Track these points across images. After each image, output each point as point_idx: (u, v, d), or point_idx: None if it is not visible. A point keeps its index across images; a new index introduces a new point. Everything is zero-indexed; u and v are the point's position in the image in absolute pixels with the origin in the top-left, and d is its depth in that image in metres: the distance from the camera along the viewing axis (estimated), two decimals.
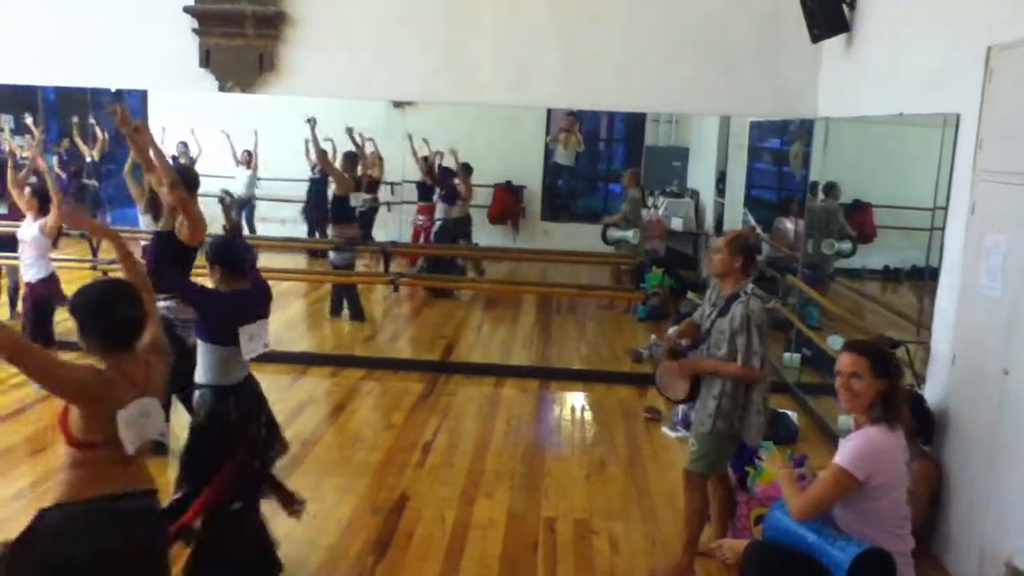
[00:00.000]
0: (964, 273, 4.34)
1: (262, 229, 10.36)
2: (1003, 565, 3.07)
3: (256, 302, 3.84)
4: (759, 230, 9.60)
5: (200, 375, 3.73)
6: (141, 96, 11.04)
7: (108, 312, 2.68)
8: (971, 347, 4.25)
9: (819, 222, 7.28)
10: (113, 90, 10.37)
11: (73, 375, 2.58)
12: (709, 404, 4.01)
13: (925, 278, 5.11)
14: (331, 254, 8.69)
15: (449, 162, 10.12)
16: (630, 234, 9.51)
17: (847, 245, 7.11)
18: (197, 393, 3.72)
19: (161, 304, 4.67)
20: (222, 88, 7.23)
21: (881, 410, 3.00)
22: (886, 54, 5.86)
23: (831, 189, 7.11)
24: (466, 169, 10.07)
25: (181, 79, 7.35)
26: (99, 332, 2.68)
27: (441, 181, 10.00)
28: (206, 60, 7.20)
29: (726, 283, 4.09)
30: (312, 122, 8.18)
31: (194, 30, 7.17)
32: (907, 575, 3.00)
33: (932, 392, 4.61)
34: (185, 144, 10.27)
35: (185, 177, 4.98)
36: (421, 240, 10.17)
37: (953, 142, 4.64)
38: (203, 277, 3.99)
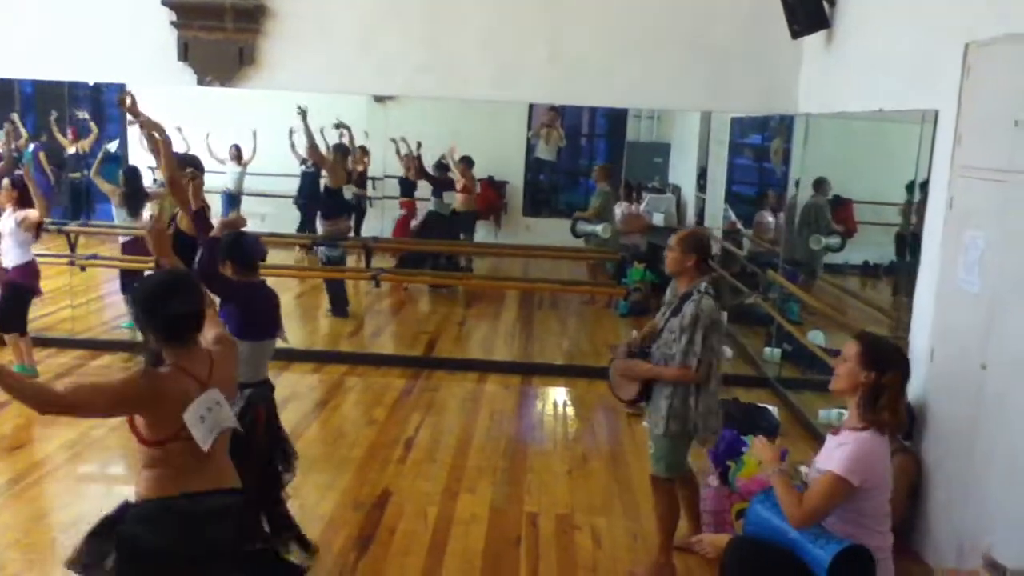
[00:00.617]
0: (942, 268, 4.37)
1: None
2: (981, 557, 3.08)
3: (268, 297, 3.88)
4: (740, 225, 9.65)
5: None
6: (119, 90, 10.94)
7: (164, 306, 2.64)
8: (949, 342, 4.28)
9: (808, 218, 7.31)
10: (91, 84, 10.27)
11: (117, 395, 2.57)
12: (661, 405, 3.97)
13: (904, 273, 5.15)
14: (320, 249, 8.65)
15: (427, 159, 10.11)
16: (599, 228, 9.54)
17: (835, 240, 7.14)
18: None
19: None
20: (201, 82, 7.18)
21: (863, 405, 3.00)
22: (866, 50, 5.90)
23: (820, 185, 7.14)
24: (467, 162, 10.06)
25: (160, 73, 7.28)
26: (156, 325, 2.65)
27: (430, 177, 9.98)
28: (185, 54, 7.13)
29: (680, 282, 4.03)
30: (303, 112, 8.12)
31: (172, 23, 7.11)
32: (887, 571, 3.01)
33: (911, 387, 4.60)
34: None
35: (194, 166, 4.97)
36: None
37: (932, 138, 4.67)
38: None
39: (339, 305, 8.69)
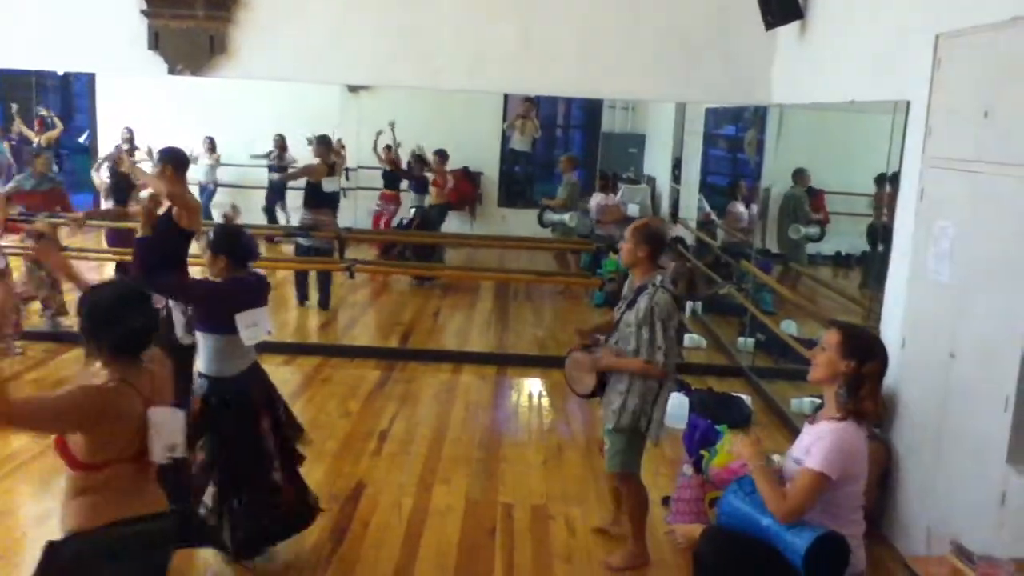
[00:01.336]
0: (913, 258, 4.41)
1: (217, 216, 10.20)
2: (949, 544, 3.12)
3: (257, 290, 3.84)
4: (714, 216, 9.70)
5: (201, 365, 3.73)
6: (89, 79, 10.81)
7: (118, 320, 2.56)
8: (920, 331, 4.33)
9: (787, 208, 7.35)
10: (60, 73, 10.12)
11: (71, 406, 2.45)
12: (614, 400, 3.94)
13: (875, 263, 5.19)
14: (299, 240, 8.61)
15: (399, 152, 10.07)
16: (566, 217, 9.57)
17: (814, 230, 7.18)
18: (197, 382, 3.73)
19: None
20: (172, 71, 7.08)
21: (843, 394, 3.02)
22: (838, 42, 5.93)
23: (799, 175, 7.18)
24: (441, 156, 10.02)
25: (129, 62, 7.17)
26: (108, 340, 2.55)
27: (409, 172, 9.94)
28: (155, 42, 7.02)
29: (635, 274, 3.98)
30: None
31: (142, 11, 6.99)
32: (859, 557, 3.04)
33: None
34: (130, 130, 10.08)
35: (177, 158, 4.93)
36: (382, 226, 10.12)
37: (903, 129, 4.71)
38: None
39: (324, 297, 8.65)
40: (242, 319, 3.66)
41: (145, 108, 9.94)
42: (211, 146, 10.23)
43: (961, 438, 3.86)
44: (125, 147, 9.70)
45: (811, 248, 7.49)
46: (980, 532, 3.54)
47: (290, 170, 9.17)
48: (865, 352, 3.02)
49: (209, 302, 3.76)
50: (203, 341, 3.75)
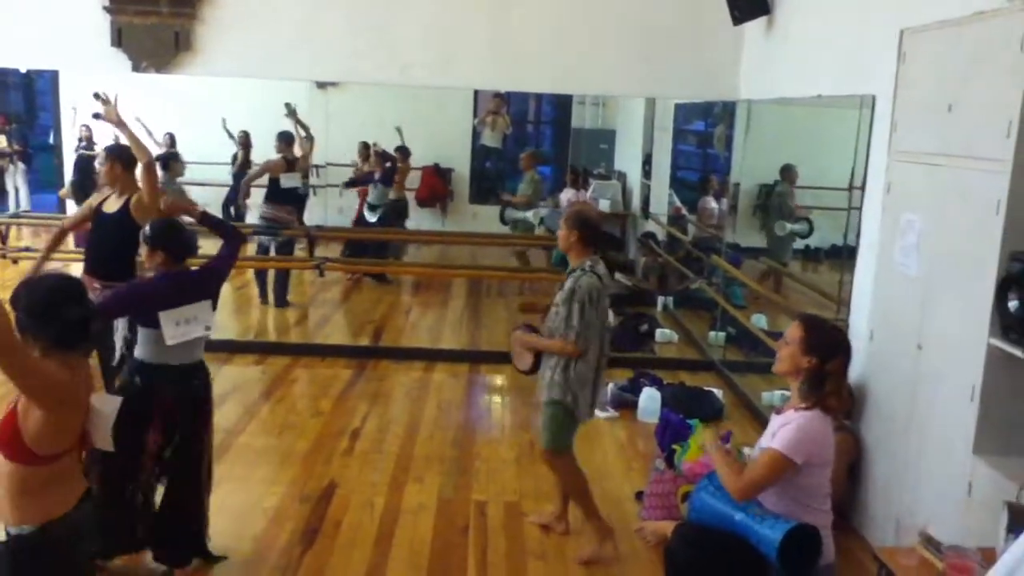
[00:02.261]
0: (881, 251, 4.45)
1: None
2: (918, 534, 3.15)
3: (193, 285, 3.73)
4: (685, 211, 9.74)
5: (136, 350, 3.69)
6: (52, 77, 10.64)
7: (60, 311, 2.52)
8: (887, 323, 4.37)
9: (773, 204, 7.37)
10: (23, 71, 9.94)
11: (54, 376, 2.42)
12: (545, 376, 4.10)
13: (844, 257, 5.23)
14: (261, 238, 8.53)
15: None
16: (530, 215, 9.59)
17: (800, 226, 7.20)
18: (128, 364, 3.70)
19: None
20: (136, 68, 6.97)
21: (805, 388, 3.04)
22: (805, 36, 5.97)
23: (786, 172, 7.21)
24: (403, 152, 9.97)
25: (93, 59, 7.05)
26: (49, 332, 2.51)
27: (381, 166, 9.88)
28: (118, 39, 6.92)
29: (570, 258, 4.13)
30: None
31: (105, 8, 6.88)
32: (828, 548, 3.06)
33: (851, 368, 4.71)
34: (88, 128, 9.94)
35: (123, 155, 4.86)
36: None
37: (869, 123, 4.75)
38: None
39: (280, 295, 8.58)
40: (168, 316, 3.55)
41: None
42: (170, 142, 10.11)
43: (929, 429, 3.90)
44: (83, 144, 9.59)
45: (782, 243, 7.52)
46: (948, 522, 3.57)
47: (249, 172, 9.08)
48: (827, 349, 3.03)
49: (134, 308, 3.68)
50: (139, 330, 3.67)
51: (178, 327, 3.59)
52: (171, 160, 8.54)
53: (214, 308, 3.80)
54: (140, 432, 3.55)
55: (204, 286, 3.77)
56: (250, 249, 9.12)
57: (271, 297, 8.57)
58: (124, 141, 4.91)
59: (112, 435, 2.62)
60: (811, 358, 3.02)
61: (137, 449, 3.57)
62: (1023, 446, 3.36)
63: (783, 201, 7.27)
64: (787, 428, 3.00)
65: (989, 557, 2.73)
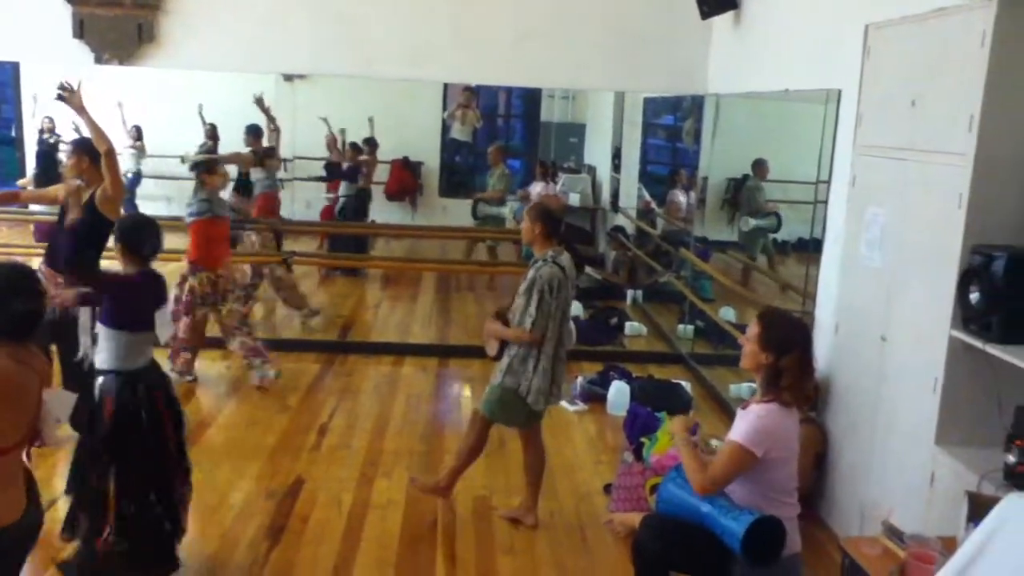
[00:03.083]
0: (846, 245, 4.49)
1: (146, 208, 9.94)
2: (880, 523, 3.19)
3: (161, 286, 3.73)
4: (654, 205, 9.77)
5: (104, 362, 3.54)
6: (13, 68, 10.44)
7: (9, 301, 2.48)
8: (852, 316, 4.41)
9: (742, 199, 7.41)
10: None
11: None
12: (504, 360, 4.23)
13: (810, 250, 5.28)
14: None
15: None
16: (504, 210, 9.58)
17: (768, 220, 7.23)
18: (101, 379, 3.52)
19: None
20: (99, 60, 6.85)
21: (764, 383, 3.05)
22: (772, 31, 6.00)
23: (758, 166, 7.24)
24: (371, 144, 9.91)
25: (55, 51, 6.91)
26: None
27: (352, 158, 9.81)
28: (80, 31, 6.79)
29: (534, 250, 4.25)
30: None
31: None
32: (795, 538, 3.08)
33: (816, 360, 4.75)
34: (51, 119, 9.77)
35: (93, 149, 4.76)
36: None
37: (835, 117, 4.79)
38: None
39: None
40: (159, 316, 3.61)
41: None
42: (137, 135, 9.97)
43: (893, 420, 3.94)
44: (47, 136, 9.42)
45: (751, 236, 7.56)
46: (911, 512, 3.61)
47: (220, 156, 8.92)
48: (782, 345, 3.02)
49: (117, 296, 3.60)
50: (107, 336, 3.54)
51: (163, 327, 3.65)
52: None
53: None
54: (160, 437, 3.56)
55: (163, 287, 3.76)
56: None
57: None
58: (85, 132, 4.83)
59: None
60: (768, 354, 3.02)
61: (161, 456, 3.57)
62: (984, 437, 3.40)
63: (752, 196, 7.32)
64: (745, 420, 3.03)
65: (950, 546, 2.77)
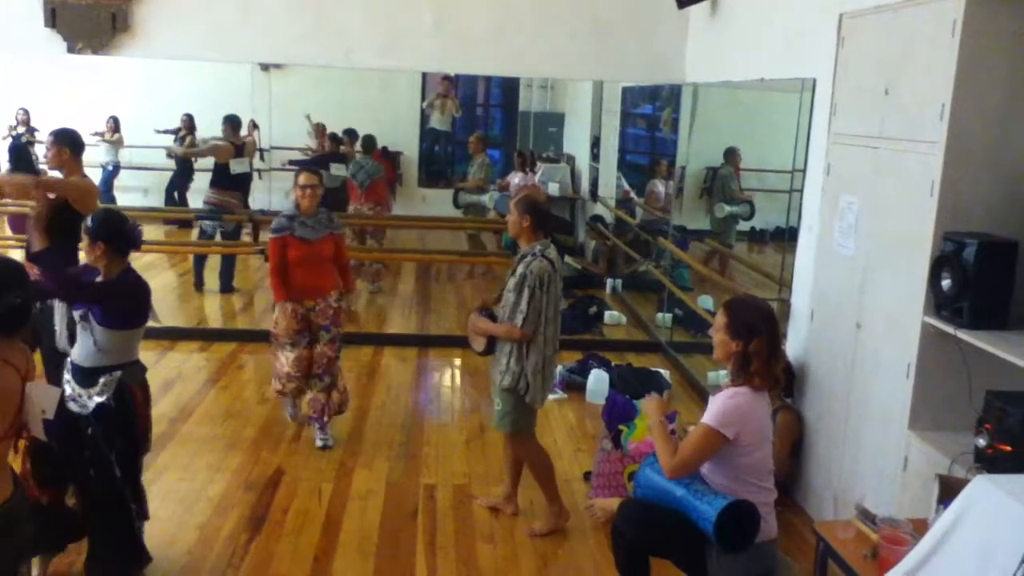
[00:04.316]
0: (821, 233, 4.53)
1: (123, 199, 9.86)
2: (854, 508, 3.24)
3: (145, 282, 3.68)
4: (633, 194, 9.80)
5: (104, 359, 3.46)
6: None
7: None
8: (827, 303, 4.45)
9: (714, 186, 7.44)
10: None
11: None
12: (501, 361, 4.11)
13: (787, 238, 5.32)
14: (205, 223, 8.39)
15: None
16: (486, 198, 9.59)
17: (741, 207, 7.27)
18: (104, 377, 3.45)
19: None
20: (71, 50, 6.76)
21: (735, 370, 3.08)
22: (748, 20, 6.02)
23: (729, 154, 7.26)
24: (350, 135, 9.87)
25: (26, 41, 6.81)
26: None
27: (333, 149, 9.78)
28: (52, 20, 6.70)
29: (520, 243, 4.15)
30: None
31: None
32: (771, 524, 3.11)
33: (792, 347, 4.82)
34: (26, 111, 9.66)
35: (73, 139, 4.73)
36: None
37: (810, 106, 4.82)
38: None
39: (226, 281, 8.48)
40: (153, 312, 3.64)
41: (47, 88, 9.52)
42: (114, 126, 9.88)
43: (867, 406, 3.99)
44: (22, 130, 9.31)
45: (725, 223, 7.62)
46: (885, 496, 3.67)
47: (197, 147, 8.88)
48: (749, 331, 3.04)
49: (117, 301, 3.52)
50: (105, 336, 3.46)
51: (152, 317, 3.63)
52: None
53: None
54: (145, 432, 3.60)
55: (145, 284, 3.70)
56: (193, 235, 9.01)
57: (216, 284, 8.45)
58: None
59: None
60: (737, 342, 3.05)
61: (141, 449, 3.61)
62: (956, 421, 3.46)
63: (725, 183, 7.36)
64: (715, 403, 3.06)
65: (921, 528, 2.81)
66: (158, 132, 9.85)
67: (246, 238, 8.57)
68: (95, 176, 8.56)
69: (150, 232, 9.25)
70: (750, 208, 7.14)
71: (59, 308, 4.18)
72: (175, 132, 9.95)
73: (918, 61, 3.64)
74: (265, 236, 8.51)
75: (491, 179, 10.00)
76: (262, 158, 9.59)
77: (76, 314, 3.48)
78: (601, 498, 4.22)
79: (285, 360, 5.10)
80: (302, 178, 5.05)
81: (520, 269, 4.02)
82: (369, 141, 9.22)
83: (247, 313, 8.22)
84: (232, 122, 8.40)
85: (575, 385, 6.23)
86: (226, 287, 8.45)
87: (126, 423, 3.49)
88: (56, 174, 4.86)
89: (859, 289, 4.07)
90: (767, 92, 5.96)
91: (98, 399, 3.42)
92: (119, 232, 3.54)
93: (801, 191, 4.95)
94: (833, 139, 4.43)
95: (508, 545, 4.17)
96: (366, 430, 5.44)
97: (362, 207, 8.95)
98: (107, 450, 3.43)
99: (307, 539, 4.09)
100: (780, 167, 6.09)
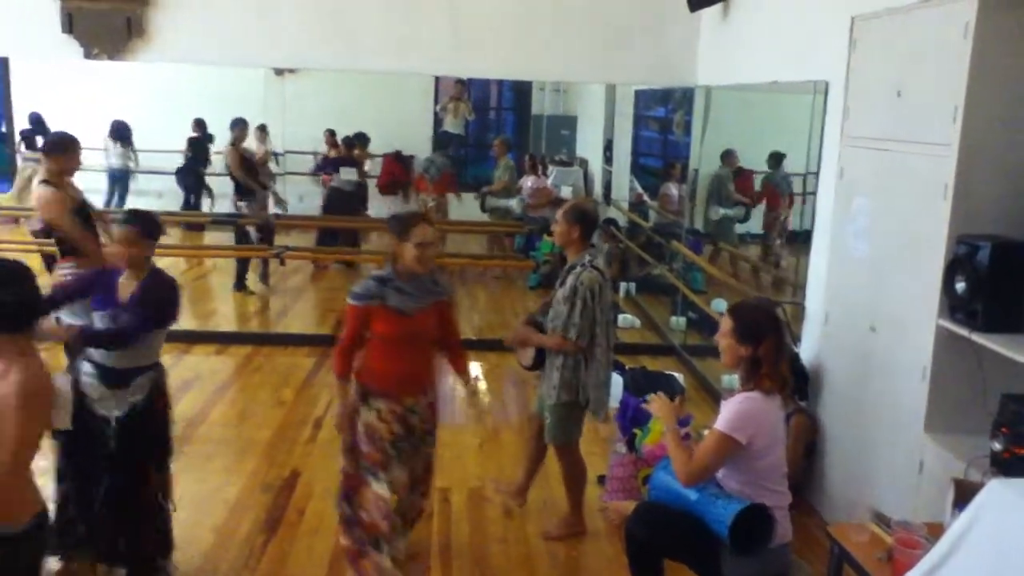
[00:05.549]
0: (834, 235, 4.53)
1: (137, 203, 9.91)
2: (868, 511, 3.23)
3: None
4: (646, 197, 9.80)
5: (145, 358, 3.51)
6: (2, 64, 10.40)
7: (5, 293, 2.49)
8: (841, 306, 4.45)
9: (711, 189, 7.43)
10: None
11: (37, 384, 2.41)
12: (553, 376, 4.06)
13: (800, 241, 5.31)
14: (251, 229, 8.52)
15: None
16: (513, 203, 9.58)
17: (736, 210, 7.26)
18: (139, 378, 3.49)
19: (65, 269, 4.50)
20: (88, 55, 6.85)
21: (745, 374, 3.08)
22: (760, 23, 6.02)
23: (726, 156, 7.26)
24: (361, 139, 9.92)
25: (44, 46, 6.92)
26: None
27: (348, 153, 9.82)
28: (69, 25, 6.78)
29: (569, 253, 4.11)
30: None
31: None
32: (785, 527, 3.11)
33: (807, 350, 4.81)
34: (38, 115, 9.72)
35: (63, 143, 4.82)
36: None
37: (823, 109, 4.82)
38: None
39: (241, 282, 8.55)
40: None
41: (62, 93, 9.58)
42: (119, 132, 9.94)
43: (881, 409, 3.98)
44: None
45: (741, 228, 7.60)
46: (899, 499, 3.66)
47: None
48: (757, 334, 3.06)
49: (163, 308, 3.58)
50: (147, 337, 3.51)
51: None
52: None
53: None
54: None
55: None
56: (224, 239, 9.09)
57: (257, 285, 8.59)
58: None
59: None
60: (746, 346, 3.06)
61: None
62: (971, 424, 3.44)
63: (721, 185, 7.35)
64: (727, 408, 3.07)
65: (936, 532, 2.80)
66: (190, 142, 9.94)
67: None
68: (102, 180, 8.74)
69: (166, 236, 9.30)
70: (745, 211, 7.14)
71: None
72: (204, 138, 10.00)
73: (931, 63, 3.63)
74: (284, 239, 8.65)
75: (515, 181, 9.99)
76: (277, 163, 9.62)
77: (101, 315, 3.48)
78: (616, 501, 4.24)
79: (374, 495, 3.56)
80: (419, 232, 3.51)
81: (570, 281, 3.97)
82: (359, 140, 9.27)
83: (262, 316, 8.27)
84: (241, 125, 8.47)
85: None
86: (239, 285, 8.53)
87: (157, 423, 3.54)
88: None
89: (873, 292, 4.07)
90: (779, 95, 5.95)
91: (132, 400, 3.47)
92: (151, 224, 3.58)
93: (815, 194, 4.95)
94: (846, 142, 4.43)
95: (522, 547, 4.18)
96: None
97: (428, 197, 9.45)
98: (140, 450, 3.49)
99: (323, 541, 4.12)
100: (793, 170, 6.08)
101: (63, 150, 4.83)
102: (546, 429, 4.18)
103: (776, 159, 6.55)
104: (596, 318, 3.96)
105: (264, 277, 8.76)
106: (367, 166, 10.03)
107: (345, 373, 3.63)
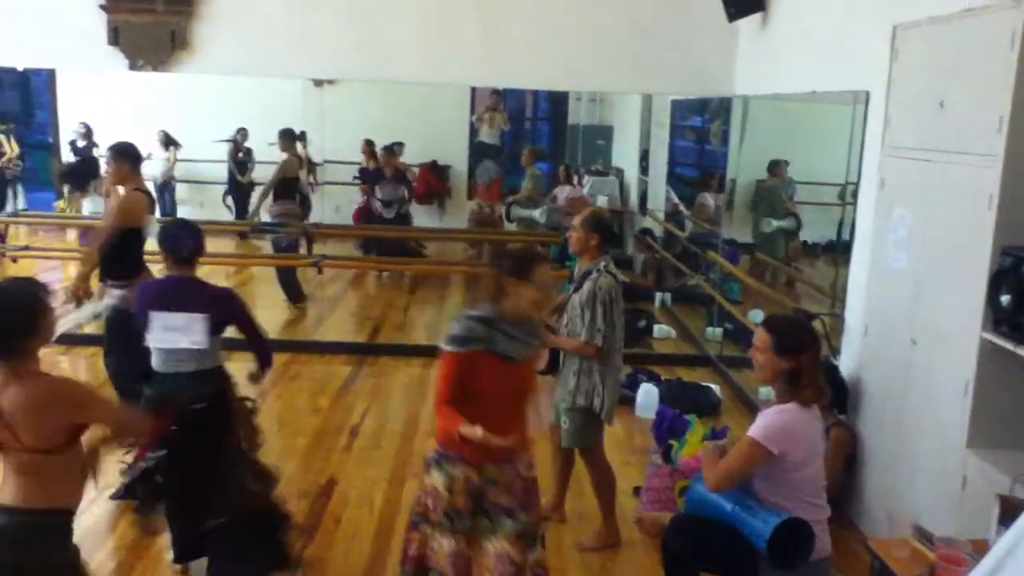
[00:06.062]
0: (874, 246, 4.48)
1: (180, 212, 10.08)
2: (910, 526, 3.19)
3: (180, 294, 3.84)
4: (682, 207, 9.76)
5: (212, 361, 3.79)
6: (49, 75, 10.65)
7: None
8: (881, 318, 4.39)
9: (760, 199, 7.37)
10: (20, 69, 9.95)
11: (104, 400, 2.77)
12: (570, 381, 4.09)
13: (839, 252, 5.26)
14: (278, 237, 8.61)
15: None
16: (536, 213, 9.59)
17: (788, 222, 7.18)
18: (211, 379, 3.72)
19: (116, 292, 4.58)
20: (133, 67, 7.00)
21: (784, 387, 3.06)
22: (799, 32, 5.99)
23: (775, 167, 7.21)
24: (388, 150, 10.01)
25: (90, 58, 7.10)
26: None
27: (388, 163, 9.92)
28: (115, 38, 6.94)
29: (583, 260, 4.15)
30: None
31: (101, 6, 6.91)
32: (824, 541, 3.08)
33: (846, 362, 4.76)
34: (86, 125, 9.94)
35: (129, 153, 4.89)
36: None
37: (863, 119, 4.77)
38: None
39: (292, 291, 8.61)
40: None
41: (108, 103, 9.79)
42: (166, 141, 10.14)
43: (923, 423, 3.92)
44: (81, 144, 9.60)
45: (769, 239, 7.53)
46: (941, 515, 3.60)
47: (270, 179, 8.98)
48: (798, 346, 3.04)
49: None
50: (212, 343, 3.78)
51: (164, 333, 3.67)
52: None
53: (217, 332, 3.79)
54: None
55: (195, 299, 3.75)
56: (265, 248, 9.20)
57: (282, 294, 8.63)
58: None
59: None
60: (786, 359, 3.03)
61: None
62: (1016, 439, 3.39)
63: (772, 196, 7.28)
64: (763, 417, 3.05)
65: (981, 548, 2.75)
66: (216, 143, 10.08)
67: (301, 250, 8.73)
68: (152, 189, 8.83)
69: (210, 244, 9.41)
70: (796, 222, 7.06)
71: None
72: (235, 141, 10.14)
73: (975, 73, 3.59)
74: (322, 248, 8.71)
75: (542, 191, 10.01)
76: (312, 172, 9.74)
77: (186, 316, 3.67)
78: (651, 512, 4.22)
79: (439, 547, 3.07)
80: (541, 273, 3.07)
81: (587, 286, 4.01)
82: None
83: (300, 323, 8.35)
84: (290, 135, 8.55)
85: (624, 399, 6.17)
86: (296, 296, 8.62)
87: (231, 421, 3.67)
88: (119, 188, 5.00)
89: (914, 304, 4.02)
90: (819, 104, 5.90)
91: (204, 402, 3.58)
92: (169, 242, 3.78)
93: (854, 204, 4.90)
94: (887, 152, 4.38)
95: (556, 557, 4.16)
96: (416, 440, 5.48)
97: (484, 204, 9.74)
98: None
99: (359, 547, 4.15)
100: (832, 180, 6.02)
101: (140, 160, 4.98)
102: (564, 434, 4.21)
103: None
104: (614, 323, 4.02)
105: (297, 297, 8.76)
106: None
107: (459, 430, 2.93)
